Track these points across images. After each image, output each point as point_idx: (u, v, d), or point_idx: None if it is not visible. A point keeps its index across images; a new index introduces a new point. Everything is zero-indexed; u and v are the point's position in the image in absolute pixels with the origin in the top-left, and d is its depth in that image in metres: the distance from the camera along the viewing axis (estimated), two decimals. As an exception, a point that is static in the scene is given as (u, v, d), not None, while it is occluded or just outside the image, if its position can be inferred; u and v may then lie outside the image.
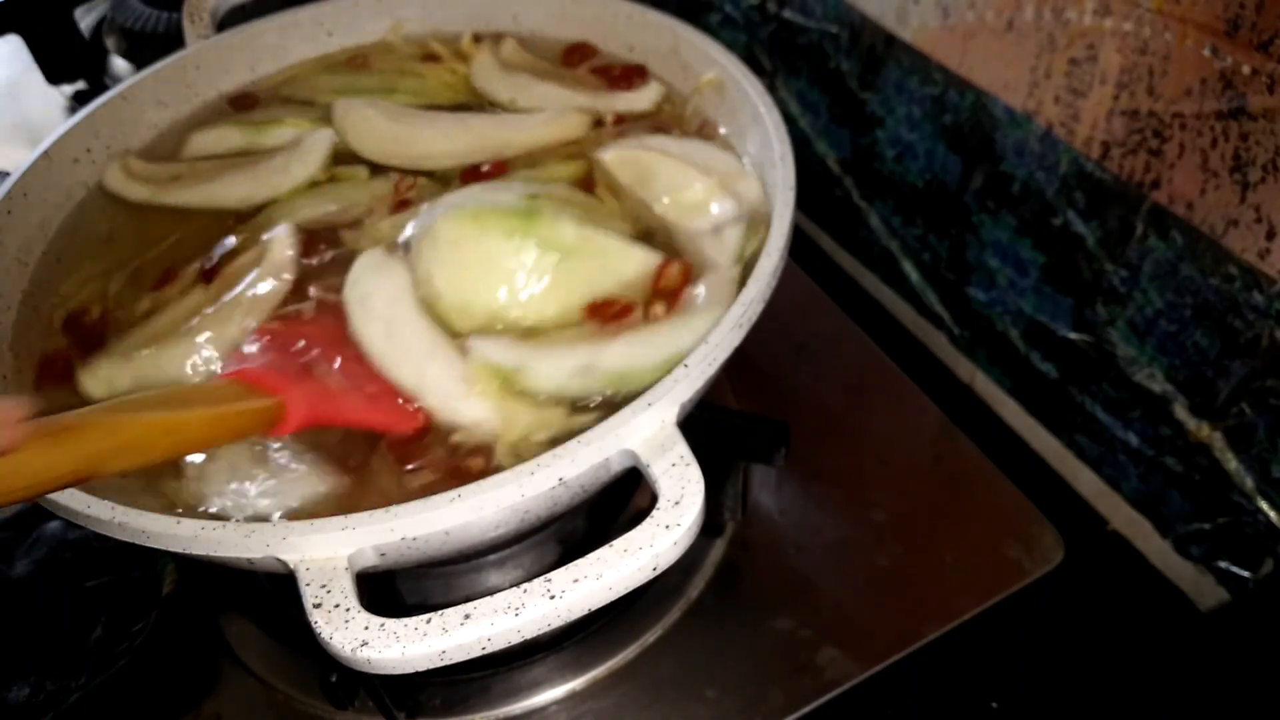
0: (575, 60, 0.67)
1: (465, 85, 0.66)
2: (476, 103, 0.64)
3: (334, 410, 0.44)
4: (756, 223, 0.52)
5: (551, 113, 0.61)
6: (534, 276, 0.48)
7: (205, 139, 0.63)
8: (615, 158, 0.57)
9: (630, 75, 0.64)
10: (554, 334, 0.48)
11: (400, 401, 0.46)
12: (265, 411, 0.41)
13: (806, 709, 0.53)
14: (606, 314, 0.48)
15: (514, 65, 0.66)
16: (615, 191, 0.56)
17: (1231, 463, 0.57)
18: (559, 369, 0.46)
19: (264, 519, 0.43)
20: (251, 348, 0.46)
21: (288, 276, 0.51)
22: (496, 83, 0.64)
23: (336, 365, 0.45)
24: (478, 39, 0.68)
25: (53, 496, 0.39)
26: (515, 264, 0.48)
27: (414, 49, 0.69)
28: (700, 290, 0.48)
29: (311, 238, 0.53)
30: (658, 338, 0.46)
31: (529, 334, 0.48)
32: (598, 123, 0.61)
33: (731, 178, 0.55)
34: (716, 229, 0.53)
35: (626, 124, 0.61)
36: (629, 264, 0.50)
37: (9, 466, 0.29)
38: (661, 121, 0.61)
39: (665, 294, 0.49)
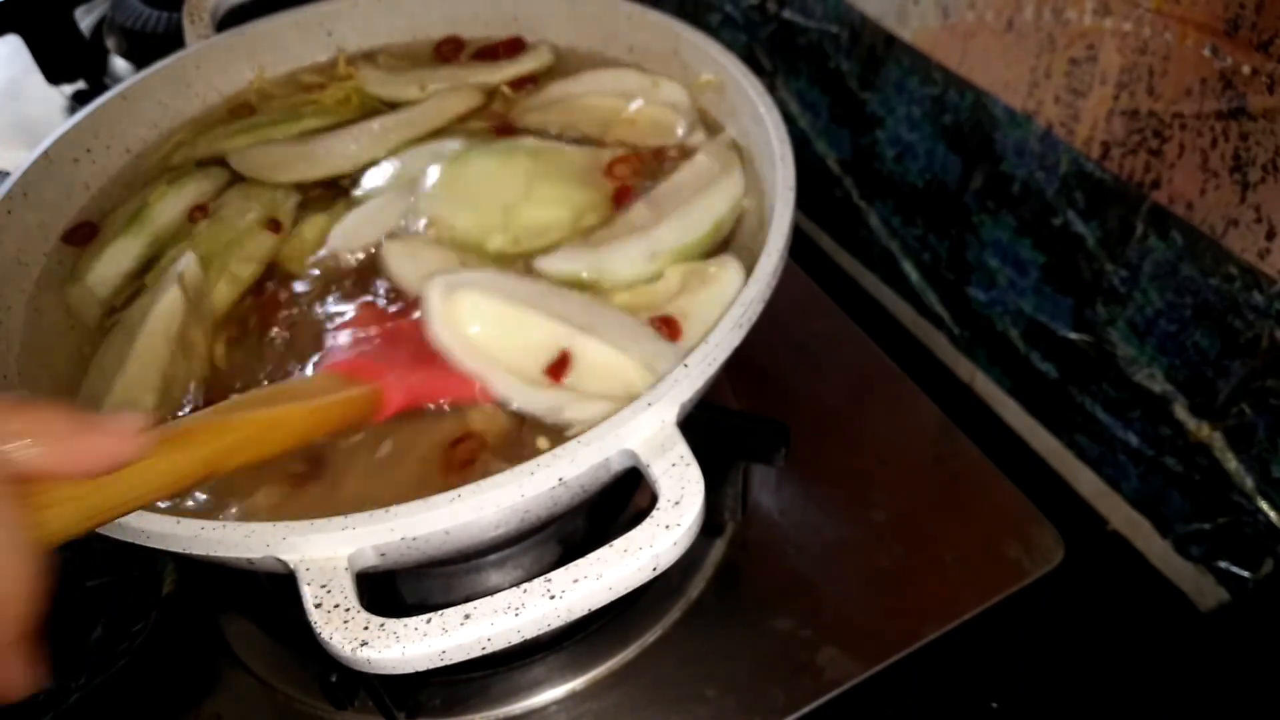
0: (449, 53, 0.70)
1: (362, 97, 0.66)
2: (380, 108, 0.66)
3: (426, 389, 0.46)
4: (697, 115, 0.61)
5: (447, 90, 0.65)
6: (520, 178, 0.56)
7: (105, 272, 0.57)
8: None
9: (511, 48, 0.69)
10: (603, 233, 0.54)
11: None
12: (365, 399, 0.44)
13: (806, 709, 0.53)
14: (620, 200, 0.56)
15: (398, 68, 0.68)
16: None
17: (1231, 463, 0.57)
18: (630, 258, 0.52)
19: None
20: (339, 341, 0.49)
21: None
22: (393, 85, 0.67)
23: (414, 350, 0.47)
24: (350, 61, 0.69)
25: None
26: (502, 172, 0.56)
27: (287, 89, 0.69)
28: (702, 160, 0.57)
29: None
30: (696, 211, 0.54)
31: (577, 236, 0.55)
32: (491, 94, 0.66)
33: (650, 91, 0.63)
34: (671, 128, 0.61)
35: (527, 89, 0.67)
36: (581, 155, 0.59)
37: (140, 474, 0.30)
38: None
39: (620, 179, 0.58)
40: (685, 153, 0.59)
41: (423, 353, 0.47)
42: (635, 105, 0.62)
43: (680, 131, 0.60)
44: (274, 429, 0.38)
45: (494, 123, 0.64)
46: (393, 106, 0.65)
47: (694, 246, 0.53)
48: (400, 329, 0.49)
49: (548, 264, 0.52)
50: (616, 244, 0.53)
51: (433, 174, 0.57)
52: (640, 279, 0.52)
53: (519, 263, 0.53)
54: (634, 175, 0.58)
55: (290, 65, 0.69)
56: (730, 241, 0.54)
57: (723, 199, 0.54)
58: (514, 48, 0.69)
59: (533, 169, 0.56)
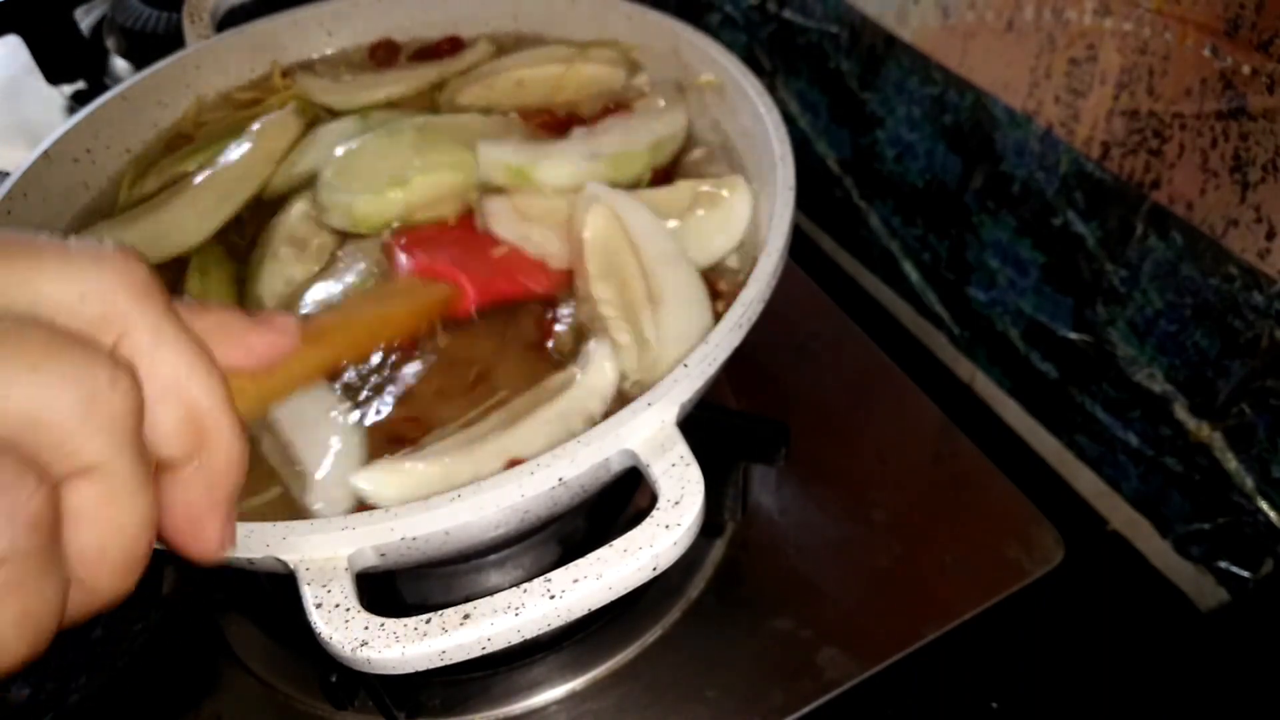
0: (384, 57, 0.70)
1: (306, 105, 0.66)
2: (324, 117, 0.65)
3: (495, 285, 0.52)
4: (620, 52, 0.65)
5: (396, 84, 0.67)
6: (408, 150, 0.58)
7: None
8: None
9: (452, 46, 0.70)
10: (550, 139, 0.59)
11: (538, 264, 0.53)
12: (445, 298, 0.49)
13: (806, 709, 0.53)
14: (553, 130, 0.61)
15: (337, 75, 0.69)
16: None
17: (1231, 463, 0.57)
18: (567, 158, 0.56)
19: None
20: (410, 252, 0.53)
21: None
22: (336, 91, 0.66)
23: (479, 254, 0.53)
24: (285, 73, 0.69)
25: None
26: (390, 148, 0.58)
27: (223, 110, 0.68)
28: (646, 101, 0.62)
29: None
30: (636, 128, 0.59)
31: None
32: (438, 86, 0.67)
33: (581, 55, 0.66)
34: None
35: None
36: (482, 121, 0.61)
37: (293, 366, 0.34)
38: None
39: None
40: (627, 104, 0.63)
41: (487, 255, 0.53)
42: (567, 68, 0.65)
43: (621, 81, 0.64)
44: (383, 324, 0.45)
45: (420, 106, 0.65)
46: (335, 114, 0.65)
47: (635, 157, 0.57)
48: (461, 238, 0.55)
49: (488, 151, 0.56)
50: (557, 144, 0.58)
51: (328, 165, 0.58)
52: (578, 179, 0.55)
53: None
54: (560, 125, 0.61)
55: (290, 65, 0.69)
56: (675, 168, 0.59)
57: (663, 124, 0.59)
58: (454, 46, 0.70)
59: (419, 140, 0.58)
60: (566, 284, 0.53)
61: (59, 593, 0.23)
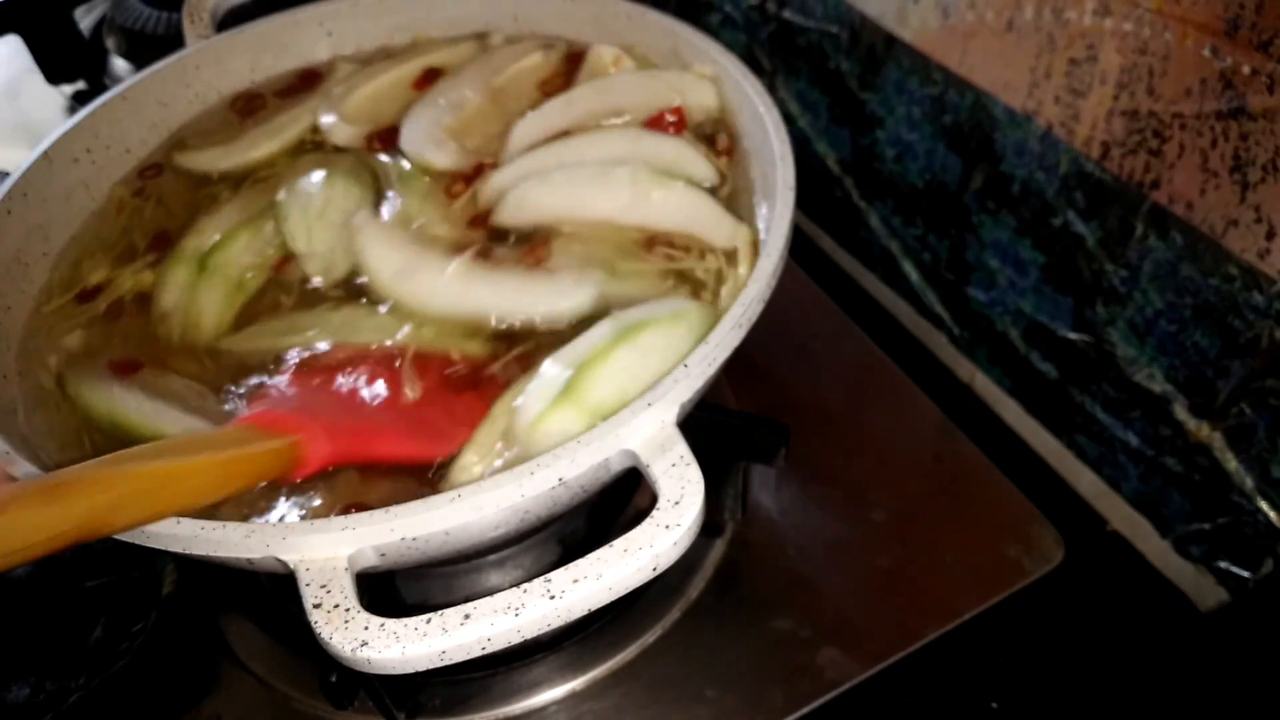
0: (245, 106, 0.68)
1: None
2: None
3: (359, 444, 0.43)
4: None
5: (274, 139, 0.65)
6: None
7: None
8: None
9: (307, 80, 0.69)
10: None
11: (435, 428, 0.45)
12: (281, 452, 0.40)
13: (806, 709, 0.53)
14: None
15: (214, 137, 0.66)
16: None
17: (1231, 463, 0.57)
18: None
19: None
20: (270, 392, 0.45)
21: None
22: (225, 158, 0.63)
23: (362, 394, 0.44)
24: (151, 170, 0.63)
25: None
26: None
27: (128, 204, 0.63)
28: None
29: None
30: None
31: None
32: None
33: None
34: None
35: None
36: None
37: (16, 523, 0.28)
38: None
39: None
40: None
41: (362, 409, 0.44)
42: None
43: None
44: (169, 483, 0.35)
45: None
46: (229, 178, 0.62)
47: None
48: (341, 382, 0.45)
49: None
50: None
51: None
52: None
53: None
54: None
55: (290, 65, 0.69)
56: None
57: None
58: (310, 80, 0.68)
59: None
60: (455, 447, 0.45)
61: None
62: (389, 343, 0.49)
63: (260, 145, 0.63)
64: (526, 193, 0.55)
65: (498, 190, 0.57)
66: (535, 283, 0.51)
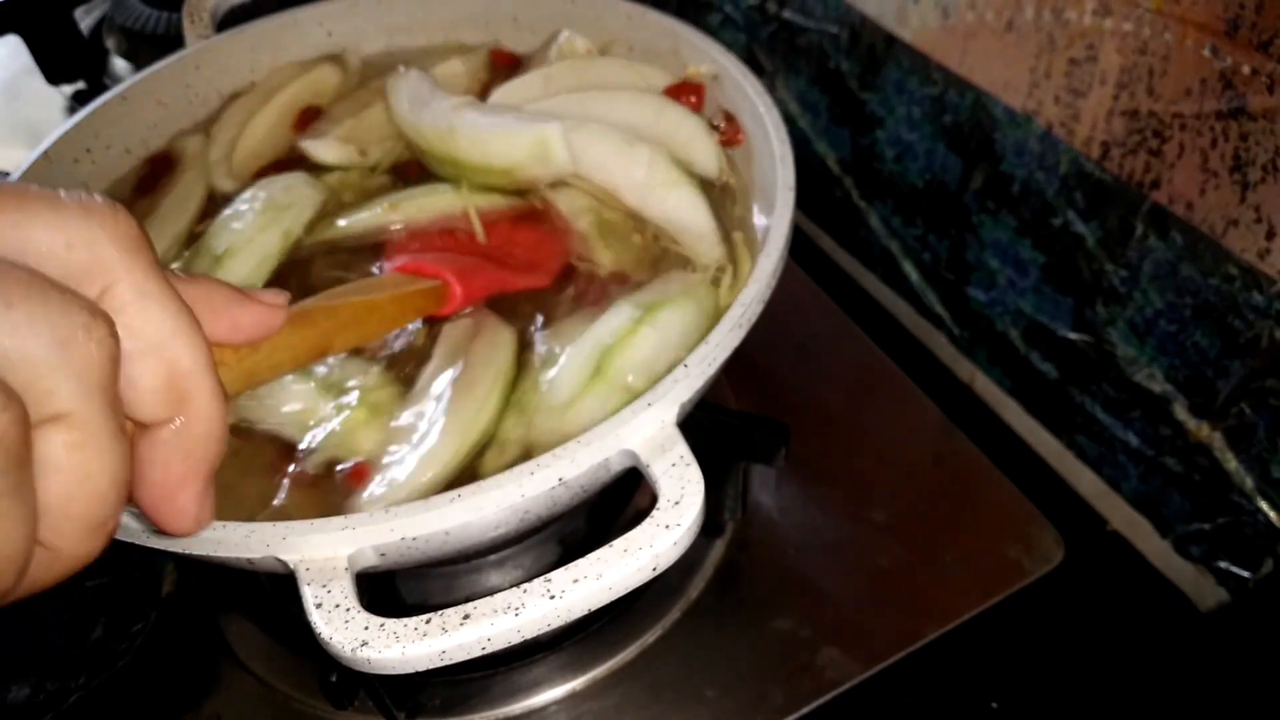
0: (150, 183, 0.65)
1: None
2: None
3: (484, 282, 0.51)
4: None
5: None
6: None
7: None
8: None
9: (159, 167, 0.65)
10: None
11: (532, 261, 0.53)
12: (435, 291, 0.48)
13: (806, 709, 0.53)
14: None
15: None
16: None
17: (1231, 463, 0.57)
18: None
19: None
20: (398, 250, 0.54)
21: None
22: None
23: (467, 254, 0.53)
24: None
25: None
26: None
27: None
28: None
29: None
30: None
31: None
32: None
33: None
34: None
35: None
36: None
37: (278, 345, 0.33)
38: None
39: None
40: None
41: (477, 253, 0.53)
42: None
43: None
44: (370, 313, 0.43)
45: None
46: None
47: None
48: (453, 239, 0.55)
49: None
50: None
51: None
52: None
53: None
54: None
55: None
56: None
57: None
58: (164, 165, 0.65)
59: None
60: (560, 275, 0.53)
61: (24, 537, 0.22)
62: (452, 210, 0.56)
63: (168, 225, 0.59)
64: (551, 135, 0.56)
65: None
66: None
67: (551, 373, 0.48)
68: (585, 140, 0.56)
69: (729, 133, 0.58)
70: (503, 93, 0.62)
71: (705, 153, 0.57)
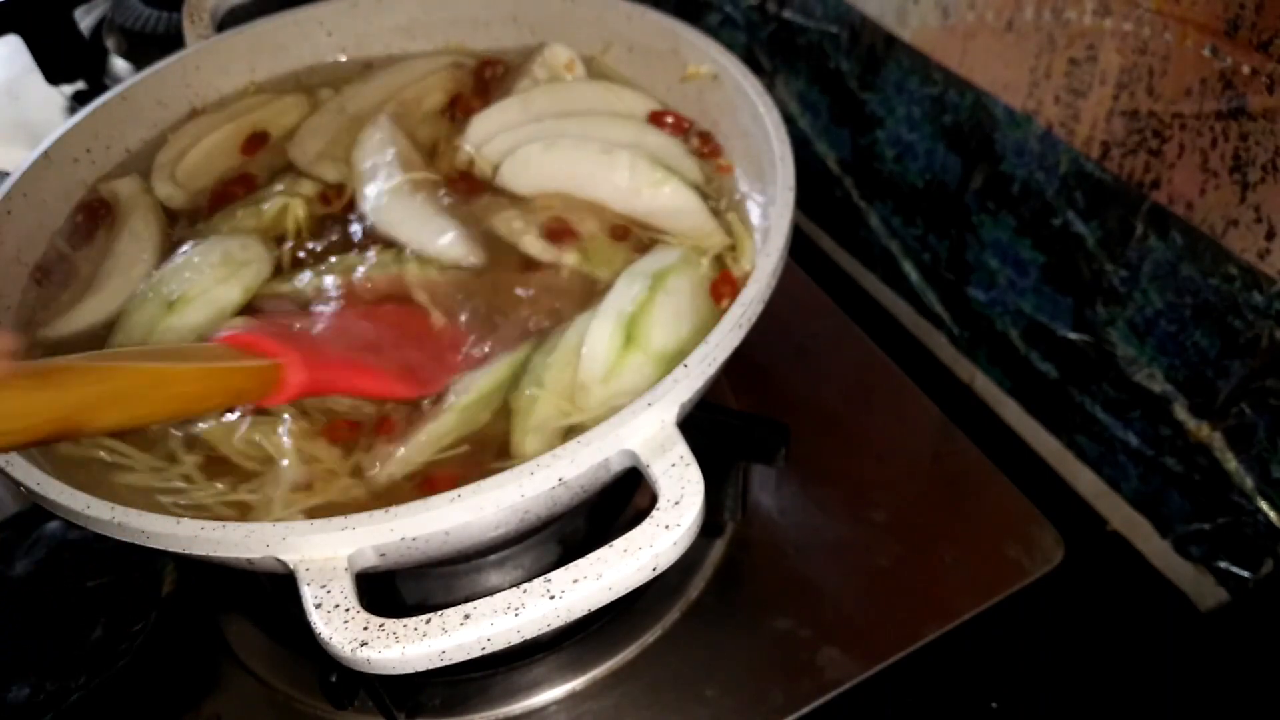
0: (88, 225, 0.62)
1: None
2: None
3: (335, 376, 0.44)
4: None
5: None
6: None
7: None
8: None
9: (258, 141, 0.65)
10: None
11: (408, 370, 0.47)
12: (262, 373, 0.40)
13: (806, 709, 0.53)
14: None
15: None
16: None
17: (1231, 463, 0.57)
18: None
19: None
20: (248, 321, 0.47)
21: None
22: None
23: (341, 331, 0.46)
24: None
25: (53, 497, 0.39)
26: None
27: None
28: None
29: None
30: None
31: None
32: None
33: None
34: None
35: None
36: None
37: (14, 397, 0.27)
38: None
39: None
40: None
41: (344, 345, 0.45)
42: None
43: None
44: (156, 387, 0.35)
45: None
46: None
47: None
48: (324, 320, 0.47)
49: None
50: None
51: None
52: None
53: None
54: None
55: (290, 66, 0.69)
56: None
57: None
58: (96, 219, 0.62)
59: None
60: (435, 395, 0.48)
61: None
62: (366, 274, 0.53)
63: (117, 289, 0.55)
64: (530, 154, 0.58)
65: (501, 151, 0.59)
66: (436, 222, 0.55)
67: (584, 348, 0.48)
68: (562, 155, 0.57)
69: (708, 151, 0.60)
70: (481, 120, 0.62)
71: (687, 164, 0.59)
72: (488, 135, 0.61)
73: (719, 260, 0.53)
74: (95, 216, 0.59)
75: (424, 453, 0.46)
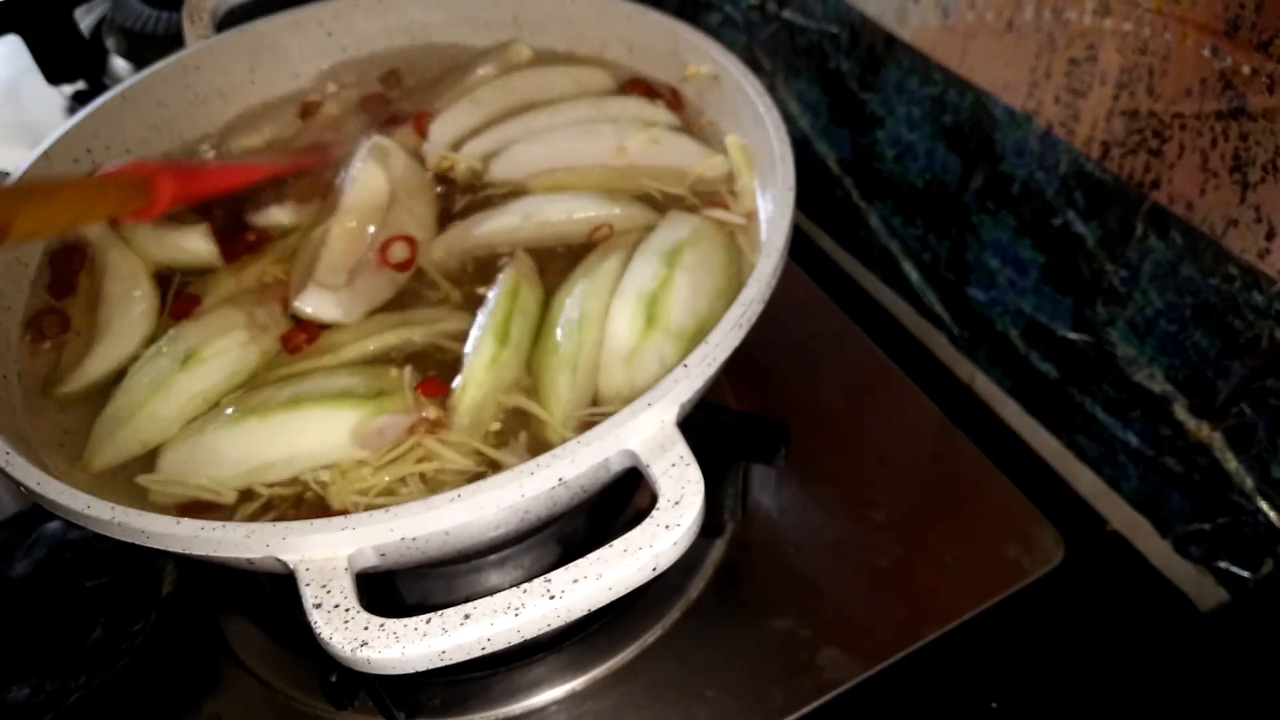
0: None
1: None
2: None
3: (205, 180, 0.53)
4: None
5: None
6: None
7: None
8: None
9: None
10: None
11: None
12: (136, 185, 0.49)
13: (806, 709, 0.53)
14: None
15: None
16: None
17: (1231, 463, 0.57)
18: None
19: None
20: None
21: None
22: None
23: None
24: None
25: (53, 497, 0.40)
26: None
27: None
28: None
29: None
30: None
31: None
32: None
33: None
34: None
35: None
36: None
37: None
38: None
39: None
40: None
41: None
42: None
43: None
44: (51, 196, 0.44)
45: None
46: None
47: None
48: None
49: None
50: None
51: None
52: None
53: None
54: None
55: (290, 66, 0.69)
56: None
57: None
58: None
59: None
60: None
61: None
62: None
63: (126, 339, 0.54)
64: (518, 152, 0.60)
65: (479, 154, 0.61)
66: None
67: (607, 329, 0.49)
68: (550, 140, 0.60)
69: (672, 102, 0.63)
70: (439, 127, 0.62)
71: (664, 116, 0.62)
72: (455, 136, 0.62)
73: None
74: (69, 265, 0.57)
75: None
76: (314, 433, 0.46)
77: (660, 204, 0.57)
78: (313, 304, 0.52)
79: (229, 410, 0.48)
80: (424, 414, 0.47)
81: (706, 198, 0.57)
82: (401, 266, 0.54)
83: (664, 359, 0.48)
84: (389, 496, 0.45)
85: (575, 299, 0.50)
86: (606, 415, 0.40)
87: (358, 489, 0.45)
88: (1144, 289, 0.58)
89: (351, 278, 0.53)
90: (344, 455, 0.46)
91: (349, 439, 0.46)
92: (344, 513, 0.42)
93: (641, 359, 0.48)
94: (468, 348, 0.49)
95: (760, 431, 0.57)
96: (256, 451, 0.46)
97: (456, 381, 0.48)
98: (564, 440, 0.39)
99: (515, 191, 0.59)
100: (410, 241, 0.55)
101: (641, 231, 0.54)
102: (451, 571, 0.57)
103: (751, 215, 0.55)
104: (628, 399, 0.41)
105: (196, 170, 0.54)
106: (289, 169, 0.58)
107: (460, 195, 0.59)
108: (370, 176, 0.57)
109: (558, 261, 0.54)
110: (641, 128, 0.60)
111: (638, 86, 0.64)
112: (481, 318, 0.50)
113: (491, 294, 0.51)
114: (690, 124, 0.62)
